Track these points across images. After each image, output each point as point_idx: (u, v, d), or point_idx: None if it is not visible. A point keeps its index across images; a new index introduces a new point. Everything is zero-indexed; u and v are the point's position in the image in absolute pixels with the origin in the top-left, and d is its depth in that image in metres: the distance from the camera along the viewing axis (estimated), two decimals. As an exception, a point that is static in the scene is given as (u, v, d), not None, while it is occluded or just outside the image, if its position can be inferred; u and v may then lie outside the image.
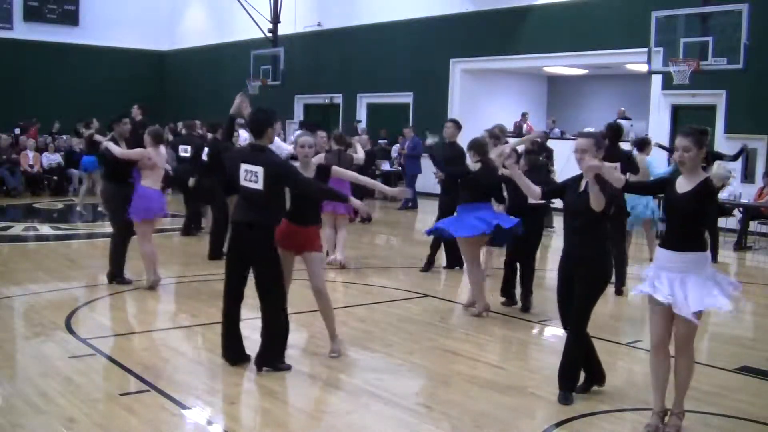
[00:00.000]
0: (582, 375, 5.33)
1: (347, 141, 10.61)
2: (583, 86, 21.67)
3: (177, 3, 29.38)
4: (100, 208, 14.81)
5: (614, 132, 8.51)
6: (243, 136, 16.49)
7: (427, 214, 17.51)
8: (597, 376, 5.35)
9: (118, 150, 8.22)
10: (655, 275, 4.61)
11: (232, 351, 5.75)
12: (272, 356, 5.66)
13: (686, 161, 4.54)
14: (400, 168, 19.34)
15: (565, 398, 5.15)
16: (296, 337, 6.88)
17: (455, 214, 7.79)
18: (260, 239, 5.55)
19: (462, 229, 7.34)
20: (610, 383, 5.51)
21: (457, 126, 9.94)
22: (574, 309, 5.14)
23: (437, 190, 20.52)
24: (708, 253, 4.66)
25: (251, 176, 5.52)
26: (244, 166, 5.56)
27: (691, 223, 4.55)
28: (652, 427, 4.64)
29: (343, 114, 22.98)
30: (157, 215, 8.27)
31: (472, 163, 7.50)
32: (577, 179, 5.21)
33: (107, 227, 13.52)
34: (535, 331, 7.28)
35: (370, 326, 7.14)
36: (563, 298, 5.25)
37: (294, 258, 6.04)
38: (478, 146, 7.53)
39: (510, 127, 17.24)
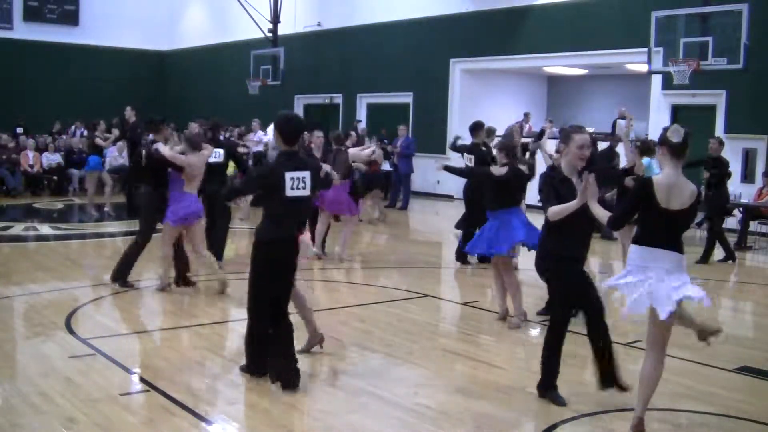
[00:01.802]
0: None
1: (344, 140, 10.73)
2: (583, 86, 21.67)
3: (177, 3, 29.37)
4: (106, 208, 14.79)
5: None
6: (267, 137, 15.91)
7: (427, 215, 17.53)
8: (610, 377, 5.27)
9: (169, 152, 8.08)
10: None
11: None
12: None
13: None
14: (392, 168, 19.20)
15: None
16: (296, 337, 6.89)
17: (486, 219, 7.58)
18: (296, 247, 5.45)
19: (498, 246, 7.20)
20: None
21: None
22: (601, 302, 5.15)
23: (437, 189, 20.47)
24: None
25: (299, 183, 5.30)
26: (289, 175, 5.28)
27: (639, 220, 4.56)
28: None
29: (343, 114, 22.98)
30: (194, 220, 8.24)
31: (499, 164, 7.37)
32: (566, 180, 5.12)
33: (106, 228, 13.60)
34: (535, 331, 7.27)
35: (370, 326, 7.14)
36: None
37: None
38: (509, 148, 7.37)
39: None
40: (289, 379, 5.27)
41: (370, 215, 15.31)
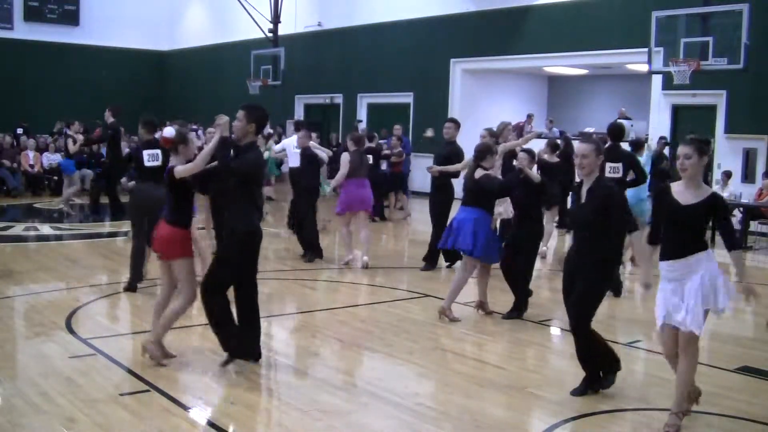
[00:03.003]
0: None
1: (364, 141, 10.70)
2: (583, 86, 21.67)
3: (177, 3, 29.38)
4: (66, 209, 14.78)
5: (616, 132, 8.61)
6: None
7: (427, 215, 17.47)
8: (609, 366, 5.35)
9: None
10: (665, 297, 4.67)
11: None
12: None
13: (687, 168, 4.61)
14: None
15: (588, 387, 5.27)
16: (296, 337, 6.90)
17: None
18: None
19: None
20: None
21: (457, 126, 10.00)
22: (573, 309, 5.15)
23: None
24: (709, 251, 4.68)
25: None
26: None
27: (695, 233, 4.63)
28: (673, 428, 4.67)
29: (343, 114, 22.99)
30: None
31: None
32: (578, 188, 5.22)
33: (107, 228, 13.60)
34: (535, 331, 7.27)
35: (370, 326, 7.14)
36: (567, 295, 5.27)
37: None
38: (475, 151, 7.48)
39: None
40: (255, 348, 5.67)
41: (394, 214, 15.68)
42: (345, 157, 9.84)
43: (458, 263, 10.05)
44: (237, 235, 5.53)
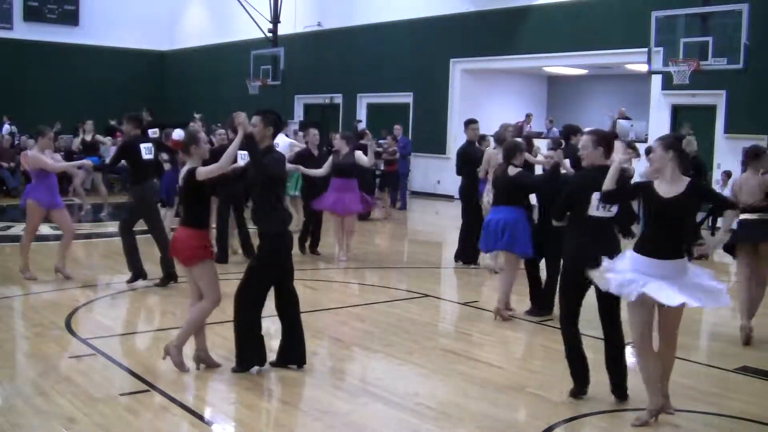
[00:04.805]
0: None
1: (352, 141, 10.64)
2: (583, 86, 21.66)
3: (177, 3, 29.37)
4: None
5: (567, 132, 8.95)
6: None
7: (427, 215, 17.52)
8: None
9: None
10: (644, 281, 4.58)
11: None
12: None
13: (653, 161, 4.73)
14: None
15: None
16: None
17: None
18: None
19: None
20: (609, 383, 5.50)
21: None
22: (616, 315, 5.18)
23: (437, 189, 20.43)
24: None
25: None
26: None
27: (679, 229, 4.63)
28: (640, 421, 4.72)
29: (343, 114, 22.98)
30: None
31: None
32: (589, 180, 5.13)
33: (107, 228, 13.59)
34: (535, 331, 7.27)
35: (370, 326, 7.14)
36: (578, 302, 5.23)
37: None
38: (504, 150, 7.51)
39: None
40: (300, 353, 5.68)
41: (388, 213, 15.71)
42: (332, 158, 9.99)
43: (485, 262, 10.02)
44: (267, 238, 5.49)
